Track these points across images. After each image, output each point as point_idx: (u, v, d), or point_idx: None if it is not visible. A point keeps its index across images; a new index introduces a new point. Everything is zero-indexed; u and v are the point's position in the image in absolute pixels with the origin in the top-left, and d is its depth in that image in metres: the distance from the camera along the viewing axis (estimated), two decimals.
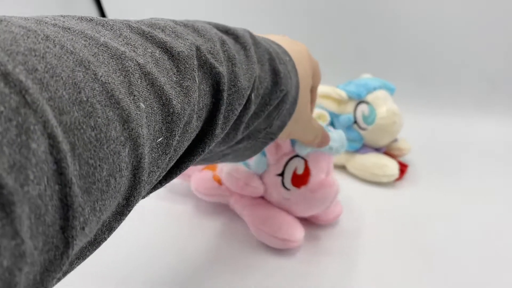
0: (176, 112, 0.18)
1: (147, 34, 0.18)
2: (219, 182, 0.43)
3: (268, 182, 0.40)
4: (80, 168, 0.13)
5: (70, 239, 0.12)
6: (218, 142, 0.26)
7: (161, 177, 0.20)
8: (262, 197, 0.42)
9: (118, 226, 0.17)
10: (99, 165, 0.14)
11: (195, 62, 0.20)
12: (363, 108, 0.52)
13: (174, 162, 0.20)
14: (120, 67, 0.16)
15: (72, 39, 0.15)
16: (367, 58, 0.80)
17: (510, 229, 0.43)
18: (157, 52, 0.18)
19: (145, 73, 0.17)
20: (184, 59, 0.19)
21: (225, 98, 0.22)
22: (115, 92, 0.15)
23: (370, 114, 0.51)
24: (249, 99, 0.25)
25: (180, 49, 0.19)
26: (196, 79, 0.19)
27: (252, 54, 0.25)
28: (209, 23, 0.26)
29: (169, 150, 0.18)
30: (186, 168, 0.22)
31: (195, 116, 0.20)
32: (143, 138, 0.16)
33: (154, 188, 0.21)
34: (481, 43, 0.76)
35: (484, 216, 0.46)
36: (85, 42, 0.15)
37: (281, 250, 0.39)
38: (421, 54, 0.79)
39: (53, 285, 0.13)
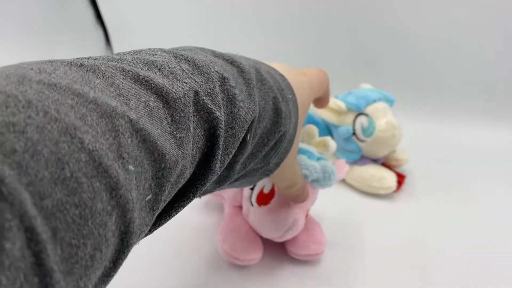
0: (168, 167, 0.17)
1: (142, 79, 0.17)
2: None
3: (244, 194, 0.40)
4: (62, 252, 0.12)
5: None
6: (213, 182, 0.25)
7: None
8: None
9: (106, 286, 0.16)
10: (83, 243, 0.13)
11: (191, 110, 0.19)
12: (362, 120, 0.52)
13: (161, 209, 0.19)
14: (110, 127, 0.15)
15: (57, 100, 0.14)
16: (366, 67, 0.80)
17: (509, 241, 0.44)
18: (152, 100, 0.17)
19: (136, 129, 0.16)
20: (180, 108, 0.18)
21: (221, 143, 0.21)
22: (103, 159, 0.14)
23: (369, 127, 0.51)
24: (244, 140, 0.23)
25: (177, 96, 0.18)
26: (191, 127, 0.19)
27: (255, 93, 0.24)
28: (213, 52, 0.24)
29: (157, 206, 0.17)
30: (176, 213, 0.21)
31: (188, 165, 0.19)
32: (133, 203, 0.15)
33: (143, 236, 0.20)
34: (480, 52, 0.76)
35: (482, 227, 0.46)
36: (72, 102, 0.14)
37: (275, 264, 0.39)
38: (419, 64, 0.79)
39: None
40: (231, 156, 0.22)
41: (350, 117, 0.53)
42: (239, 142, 0.23)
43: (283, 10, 0.81)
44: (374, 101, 0.52)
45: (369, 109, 0.52)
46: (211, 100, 0.20)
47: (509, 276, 0.39)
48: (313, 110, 0.54)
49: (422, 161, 0.60)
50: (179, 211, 0.21)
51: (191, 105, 0.19)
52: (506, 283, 0.38)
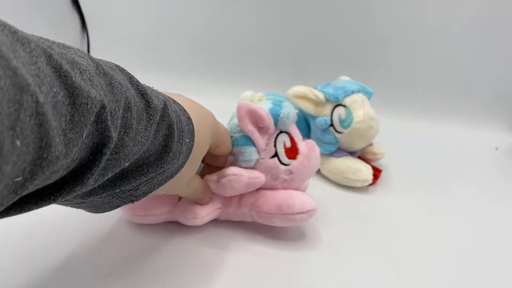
0: (49, 159, 0.17)
1: (63, 72, 0.18)
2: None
3: (263, 169, 0.39)
4: None
5: None
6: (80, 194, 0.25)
7: None
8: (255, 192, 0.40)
9: None
10: None
11: (92, 119, 0.20)
12: (340, 111, 0.51)
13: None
14: (17, 98, 0.15)
15: None
16: (345, 60, 0.80)
17: (482, 236, 0.44)
18: (61, 94, 0.18)
19: (38, 112, 0.16)
20: (82, 112, 0.19)
21: (102, 161, 0.21)
22: None
23: (347, 118, 0.51)
24: (124, 169, 0.25)
25: (85, 101, 0.19)
26: (84, 134, 0.19)
27: (151, 129, 0.26)
28: (130, 79, 0.26)
29: (21, 192, 0.17)
30: (28, 210, 0.20)
31: (64, 167, 0.19)
32: (2, 176, 0.15)
33: None
34: (458, 49, 0.77)
35: (457, 221, 0.46)
36: None
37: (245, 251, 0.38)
38: (398, 58, 0.80)
39: None
40: (106, 178, 0.23)
41: (328, 108, 0.52)
42: (119, 168, 0.24)
43: (266, 4, 0.80)
44: (353, 92, 0.52)
45: (347, 100, 0.51)
46: (112, 120, 0.21)
47: (484, 266, 0.39)
48: (291, 100, 0.53)
49: (399, 156, 0.60)
50: (32, 210, 0.20)
51: (93, 115, 0.20)
52: (482, 273, 0.38)
